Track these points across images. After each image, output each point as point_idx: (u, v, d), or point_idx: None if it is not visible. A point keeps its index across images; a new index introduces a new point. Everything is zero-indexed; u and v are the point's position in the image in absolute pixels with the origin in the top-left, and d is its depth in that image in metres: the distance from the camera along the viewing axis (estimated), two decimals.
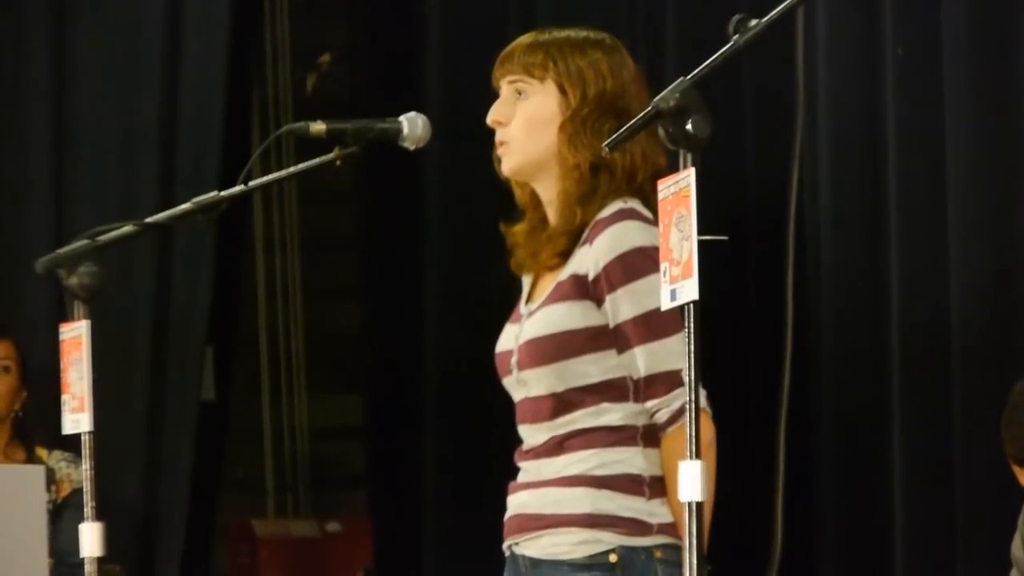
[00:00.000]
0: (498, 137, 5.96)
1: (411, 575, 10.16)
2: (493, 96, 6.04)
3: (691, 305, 4.75)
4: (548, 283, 5.97)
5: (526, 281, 6.17)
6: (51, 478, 7.58)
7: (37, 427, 8.53)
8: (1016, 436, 7.29)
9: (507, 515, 6.03)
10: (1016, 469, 7.96)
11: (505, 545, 6.05)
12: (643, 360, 5.72)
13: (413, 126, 6.46)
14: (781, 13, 4.96)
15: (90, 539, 6.76)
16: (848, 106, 9.60)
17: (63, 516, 7.85)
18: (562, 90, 5.96)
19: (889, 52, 9.69)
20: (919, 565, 9.46)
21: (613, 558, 5.76)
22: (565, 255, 5.86)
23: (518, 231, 6.07)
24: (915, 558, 9.53)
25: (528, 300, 6.10)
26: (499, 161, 6.01)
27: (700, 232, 4.77)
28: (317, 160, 6.87)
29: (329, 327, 11.84)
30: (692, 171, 4.80)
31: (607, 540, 5.76)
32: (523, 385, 5.95)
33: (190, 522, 10.34)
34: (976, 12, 9.55)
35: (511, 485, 6.06)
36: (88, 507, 6.75)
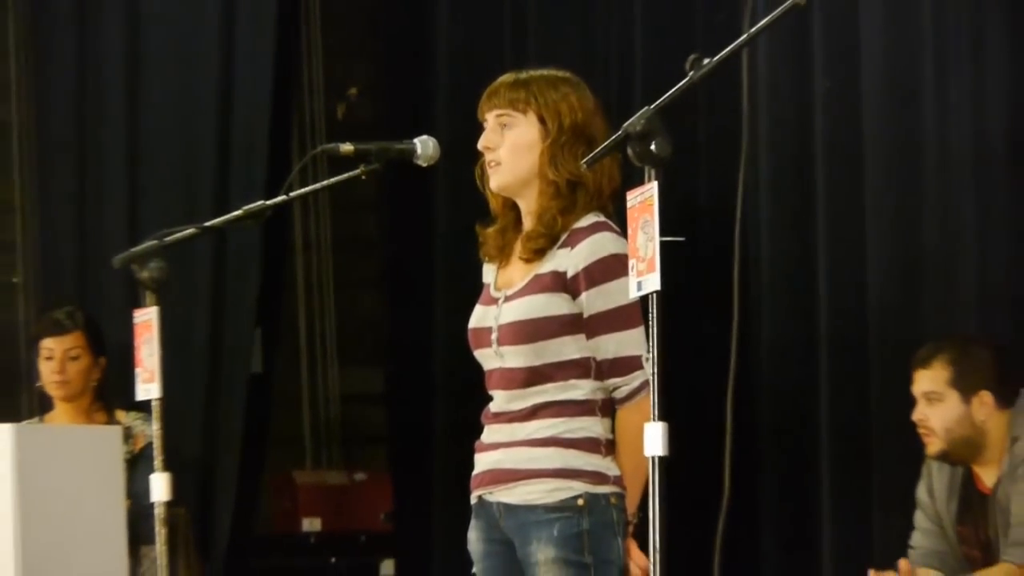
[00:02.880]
0: (488, 159, 6.12)
1: (424, 520, 10.20)
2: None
3: (654, 295, 4.83)
4: (521, 274, 6.20)
5: (490, 268, 6.41)
6: (128, 434, 7.62)
7: (117, 393, 8.51)
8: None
9: (477, 470, 6.26)
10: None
11: (475, 495, 6.26)
12: (611, 346, 6.00)
13: (425, 147, 6.67)
14: (729, 54, 5.04)
15: (160, 486, 6.91)
16: (783, 129, 9.57)
17: (138, 466, 7.87)
18: (542, 121, 6.10)
19: (817, 85, 9.69)
20: (842, 509, 9.45)
21: (581, 502, 5.99)
22: (541, 253, 6.00)
23: (489, 231, 6.28)
24: (839, 504, 9.51)
25: (498, 286, 6.30)
26: (482, 176, 6.22)
27: (661, 234, 4.93)
28: (346, 175, 7.02)
29: (355, 312, 11.87)
30: (655, 184, 4.92)
31: (576, 488, 5.99)
32: (500, 357, 6.14)
33: (241, 473, 10.35)
34: (888, 52, 9.54)
35: (478, 445, 6.30)
36: (157, 459, 6.91)
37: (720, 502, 5.21)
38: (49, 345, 9.23)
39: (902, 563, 7.96)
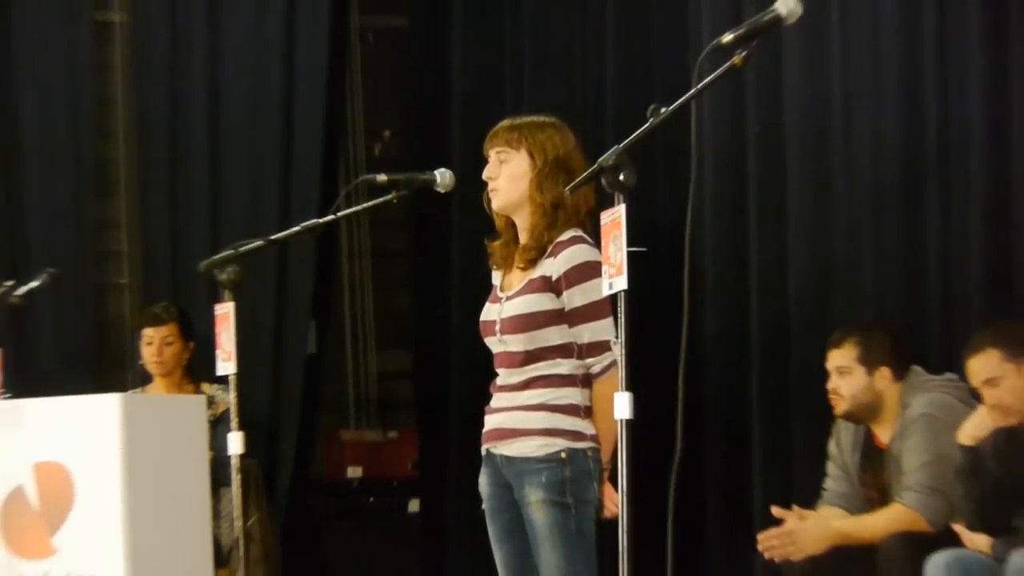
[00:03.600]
0: (490, 187, 6.19)
1: (443, 468, 10.20)
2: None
3: (622, 292, 4.93)
4: (519, 279, 6.24)
5: (497, 274, 6.41)
6: (211, 401, 7.68)
7: (203, 369, 8.51)
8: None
9: (486, 429, 6.40)
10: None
11: (484, 448, 6.39)
12: (587, 333, 6.09)
13: (443, 177, 6.71)
14: (679, 105, 5.08)
15: (235, 442, 6.98)
16: (723, 162, 9.58)
17: (219, 426, 7.93)
18: (531, 156, 6.15)
19: (750, 131, 9.67)
20: (769, 459, 9.42)
21: (564, 455, 6.07)
22: (533, 262, 6.07)
23: (496, 245, 6.34)
24: (766, 455, 9.48)
25: (502, 288, 6.33)
26: (488, 200, 6.24)
27: (627, 245, 4.94)
28: (381, 199, 7.06)
29: (389, 307, 11.84)
30: (623, 206, 5.03)
31: (559, 444, 6.07)
32: (503, 344, 6.21)
33: (299, 432, 10.37)
34: (804, 105, 9.53)
35: (487, 408, 6.39)
36: (233, 421, 7.02)
37: (673, 454, 5.19)
38: (149, 333, 9.36)
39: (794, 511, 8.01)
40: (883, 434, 7.95)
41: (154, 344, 9.33)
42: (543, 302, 6.03)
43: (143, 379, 9.50)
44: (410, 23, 11.75)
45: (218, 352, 6.91)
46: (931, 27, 9.07)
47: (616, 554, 5.07)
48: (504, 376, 6.21)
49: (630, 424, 5.09)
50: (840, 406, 8.02)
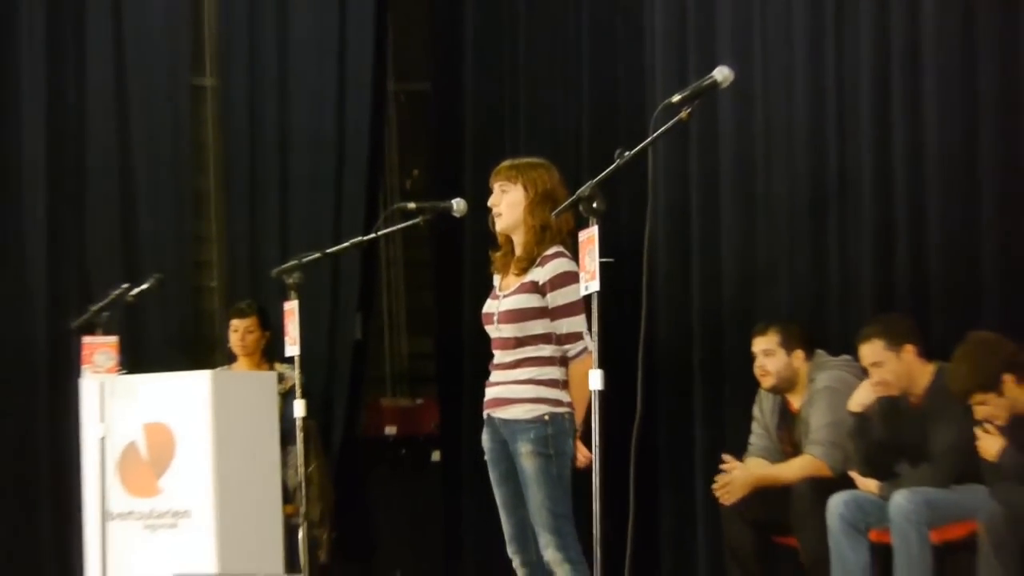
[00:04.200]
0: (494, 212, 6.17)
1: (457, 427, 10.16)
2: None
3: (595, 293, 4.93)
4: (514, 282, 6.22)
5: (497, 278, 6.35)
6: (281, 377, 7.63)
7: (276, 351, 8.47)
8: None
9: (486, 398, 6.36)
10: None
11: (485, 413, 6.35)
12: (564, 326, 6.09)
13: (459, 205, 6.71)
14: (639, 150, 5.04)
15: (299, 408, 6.97)
16: (673, 193, 9.53)
17: (287, 397, 7.88)
18: (525, 189, 6.13)
19: (693, 168, 9.65)
20: (709, 419, 9.37)
21: (547, 417, 6.09)
22: (525, 270, 6.07)
23: (497, 255, 6.31)
24: (707, 416, 9.43)
25: (500, 288, 6.30)
26: (493, 222, 6.22)
27: (599, 257, 4.91)
28: (411, 222, 7.15)
29: (417, 303, 11.77)
30: (596, 227, 5.02)
31: (543, 409, 6.08)
32: (499, 331, 6.21)
33: (348, 400, 10.38)
34: (736, 147, 9.50)
35: (487, 382, 6.37)
36: (298, 391, 6.99)
37: (634, 416, 5.16)
38: (235, 324, 9.34)
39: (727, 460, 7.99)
40: (795, 401, 7.93)
41: (239, 332, 9.30)
42: (531, 301, 6.04)
43: (229, 359, 9.46)
44: (432, 87, 11.70)
45: (286, 338, 6.91)
46: (832, 93, 9.06)
47: (589, 495, 5.05)
48: (499, 356, 6.20)
49: (601, 394, 5.08)
50: (767, 381, 8.00)
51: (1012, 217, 8.26)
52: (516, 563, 6.21)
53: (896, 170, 8.79)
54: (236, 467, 7.23)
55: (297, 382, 7.07)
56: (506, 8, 11.09)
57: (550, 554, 5.97)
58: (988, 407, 7.00)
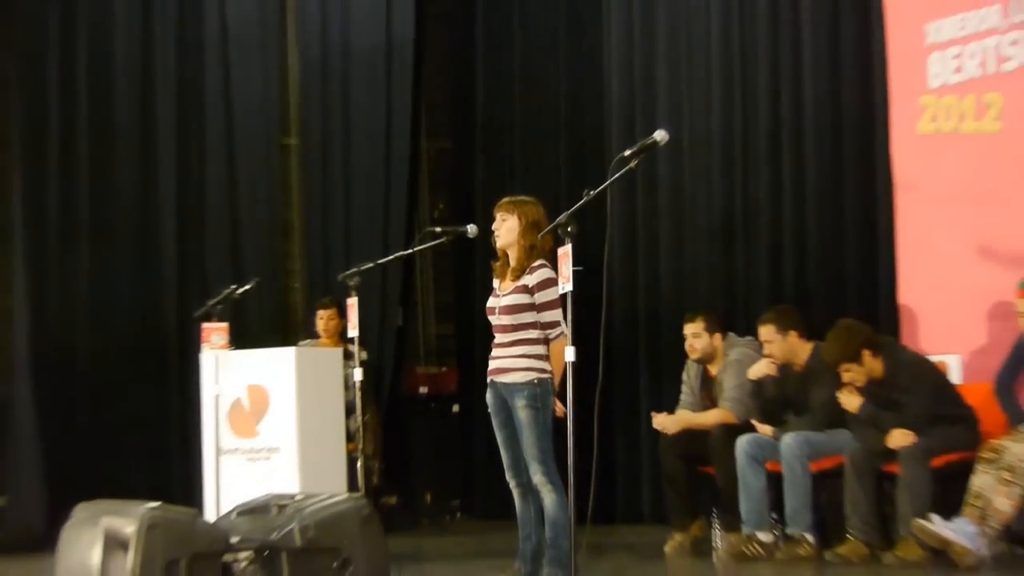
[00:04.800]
0: (496, 234, 6.11)
1: (471, 388, 10.08)
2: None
3: (568, 292, 4.80)
4: (509, 285, 6.14)
5: (496, 281, 6.23)
6: (348, 352, 7.47)
7: (344, 333, 8.36)
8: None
9: (489, 368, 6.25)
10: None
11: (489, 379, 6.24)
12: (547, 316, 6.05)
13: (472, 229, 6.76)
14: (600, 190, 4.98)
15: (358, 374, 7.05)
16: (625, 219, 9.47)
17: (352, 366, 7.72)
18: (519, 218, 6.05)
19: (639, 203, 9.67)
20: (651, 383, 9.29)
21: (535, 381, 6.01)
22: (518, 277, 5.98)
23: (497, 265, 6.22)
24: (649, 380, 9.33)
25: (499, 289, 6.18)
26: (494, 241, 6.14)
27: (572, 266, 4.78)
28: (437, 241, 7.15)
29: (442, 300, 11.64)
30: (570, 245, 4.96)
31: (533, 375, 6.06)
32: (499, 320, 6.16)
33: (393, 368, 10.29)
34: (670, 185, 9.47)
35: (491, 357, 6.28)
36: (357, 362, 7.05)
37: (596, 381, 5.15)
38: (321, 314, 9.19)
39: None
40: (713, 370, 7.86)
41: (323, 319, 9.17)
42: (523, 299, 6.00)
43: (315, 338, 9.31)
44: (452, 145, 11.65)
45: (348, 325, 6.86)
46: (739, 148, 9.04)
47: (564, 436, 5.03)
48: (499, 338, 6.14)
49: (573, 364, 5.06)
50: (694, 355, 7.91)
51: (867, 242, 8.34)
52: (512, 485, 6.19)
53: (784, 206, 8.89)
54: (312, 416, 7.18)
55: (356, 356, 7.07)
56: (507, 83, 11.02)
57: (538, 478, 5.97)
58: (851, 373, 7.03)
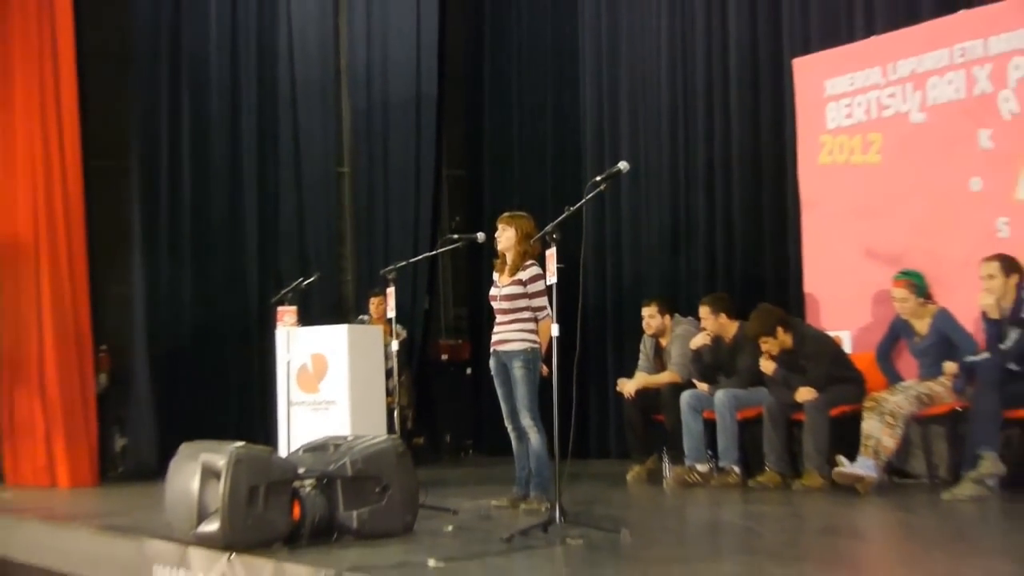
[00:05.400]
0: (497, 240, 6.06)
1: (479, 354, 10.09)
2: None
3: (553, 284, 4.75)
4: (508, 280, 6.03)
5: (496, 275, 6.15)
6: (390, 329, 7.28)
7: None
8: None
9: (493, 340, 6.12)
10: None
11: (492, 349, 6.12)
12: (536, 303, 5.97)
13: (481, 237, 6.51)
14: (577, 207, 4.94)
15: (394, 344, 6.80)
16: (595, 229, 9.43)
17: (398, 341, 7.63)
18: (515, 230, 6.02)
19: (608, 216, 9.63)
20: (617, 352, 9.35)
21: (529, 349, 5.93)
22: (513, 273, 5.94)
23: (497, 263, 6.13)
24: (616, 350, 9.34)
25: (499, 282, 6.10)
26: (495, 246, 6.05)
27: (556, 264, 4.74)
28: (453, 245, 6.98)
29: (458, 289, 11.64)
30: (554, 247, 4.84)
31: (527, 345, 5.99)
32: (500, 305, 6.05)
33: (422, 340, 10.41)
34: (630, 204, 9.43)
35: (493, 332, 6.15)
36: (394, 334, 6.77)
37: (575, 350, 5.12)
38: (372, 300, 9.07)
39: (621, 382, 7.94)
40: (664, 342, 7.78)
41: (374, 305, 9.04)
42: (518, 290, 5.95)
43: (366, 319, 9.22)
44: (465, 173, 11.64)
45: (388, 308, 6.77)
46: (682, 173, 9.01)
47: (550, 392, 5.01)
48: (500, 319, 6.06)
49: (557, 338, 5.02)
50: (649, 331, 7.79)
51: (780, 246, 8.31)
52: (509, 429, 6.12)
53: (717, 219, 8.86)
54: (360, 377, 7.11)
55: (394, 331, 7.03)
56: (507, 127, 11.03)
57: (527, 422, 5.94)
58: (768, 344, 7.00)
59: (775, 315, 7.13)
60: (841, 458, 6.36)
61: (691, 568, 4.07)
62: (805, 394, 6.78)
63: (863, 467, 6.20)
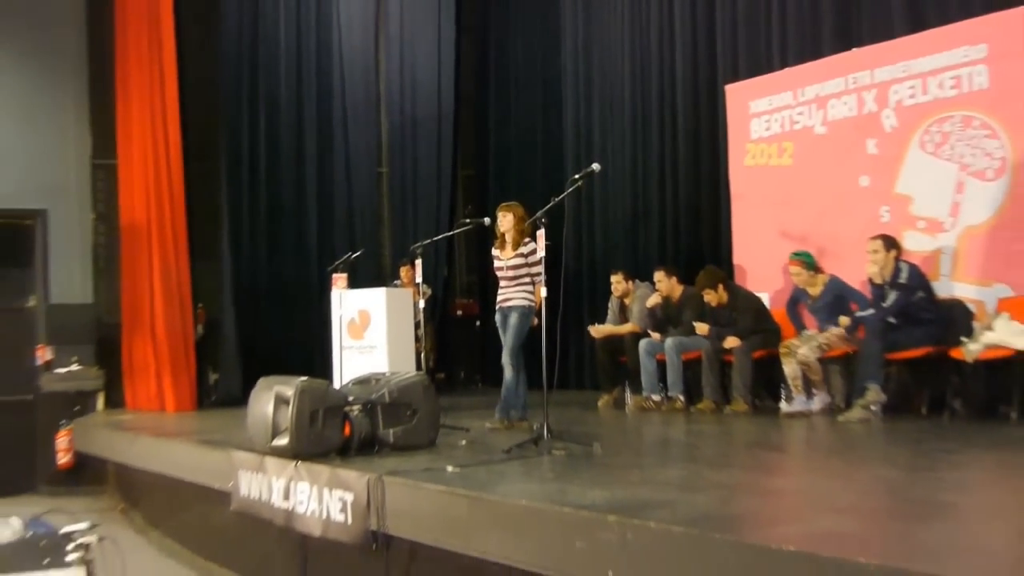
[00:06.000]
0: (499, 223, 5.94)
1: (486, 309, 9.98)
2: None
3: (543, 256, 4.65)
4: (511, 253, 5.87)
5: (496, 251, 6.02)
6: (421, 290, 7.08)
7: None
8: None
9: (498, 299, 5.96)
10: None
11: (497, 306, 5.97)
12: (534, 270, 5.73)
13: (488, 221, 6.21)
14: (560, 199, 4.84)
15: (421, 303, 6.77)
16: (575, 214, 9.38)
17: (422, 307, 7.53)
18: (513, 215, 5.90)
19: (583, 206, 9.53)
20: (590, 306, 9.28)
21: (527, 306, 5.75)
22: (516, 248, 5.80)
23: (496, 241, 6.00)
24: (589, 305, 9.29)
25: (501, 256, 5.96)
26: (498, 229, 5.94)
27: (546, 241, 4.67)
28: (467, 227, 6.87)
29: (471, 262, 11.44)
30: (543, 230, 4.72)
31: (525, 302, 5.80)
32: (504, 273, 5.87)
33: (442, 299, 10.27)
34: (603, 200, 9.35)
35: (498, 294, 5.99)
36: (421, 295, 6.73)
37: (559, 307, 5.08)
38: (403, 270, 8.78)
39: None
40: (627, 301, 7.73)
41: (404, 272, 8.73)
42: (520, 261, 5.84)
43: (399, 284, 8.97)
44: (475, 172, 11.53)
45: (416, 275, 6.67)
46: (640, 172, 8.94)
47: (540, 338, 4.98)
48: (504, 284, 5.96)
49: (546, 298, 4.98)
50: (616, 293, 7.72)
51: (715, 228, 8.26)
52: (505, 365, 6.05)
53: (667, 208, 8.80)
54: (395, 328, 7.03)
55: (421, 292, 6.97)
56: (507, 136, 10.96)
57: (505, 359, 5.90)
58: (709, 296, 7.01)
59: (718, 275, 7.12)
60: (784, 401, 6.35)
61: (646, 472, 4.06)
62: (732, 342, 6.77)
63: (800, 403, 6.24)
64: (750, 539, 2.58)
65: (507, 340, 5.91)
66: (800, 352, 6.23)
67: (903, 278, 5.91)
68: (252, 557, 5.27)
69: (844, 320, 6.31)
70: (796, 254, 6.64)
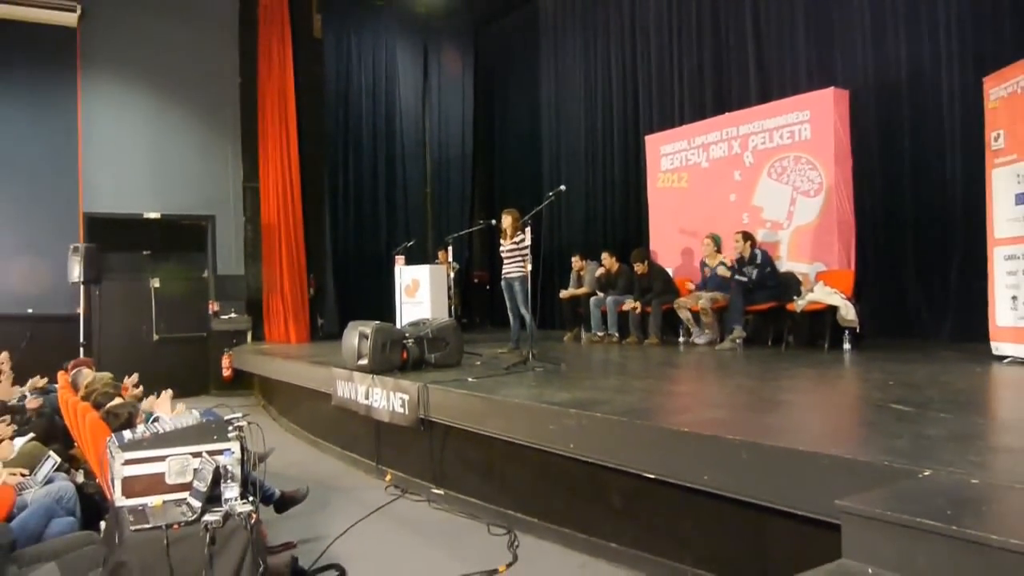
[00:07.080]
0: (502, 223, 5.66)
1: (493, 280, 9.87)
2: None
3: (529, 244, 4.57)
4: (510, 242, 5.61)
5: (502, 240, 5.74)
6: (452, 269, 6.76)
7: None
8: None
9: (503, 273, 5.67)
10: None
11: (503, 278, 5.72)
12: (525, 253, 5.48)
13: (496, 222, 6.03)
14: (539, 209, 4.73)
15: (451, 274, 6.47)
16: (551, 216, 9.23)
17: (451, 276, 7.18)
18: (511, 217, 5.64)
19: (555, 213, 9.41)
20: (563, 279, 9.07)
21: (523, 276, 5.50)
22: (512, 238, 5.54)
23: (501, 235, 5.71)
24: (562, 279, 9.04)
25: (501, 244, 5.71)
26: (500, 228, 5.67)
27: (531, 235, 4.56)
28: (481, 226, 6.66)
29: (485, 247, 11.12)
30: (529, 227, 4.64)
31: (522, 274, 5.50)
32: (506, 256, 5.60)
33: (464, 272, 10.02)
34: (575, 206, 9.19)
35: (503, 269, 5.68)
36: (451, 271, 6.47)
37: (538, 279, 5.06)
38: (440, 253, 8.32)
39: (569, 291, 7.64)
40: (583, 274, 7.51)
41: (441, 255, 8.30)
42: (515, 246, 5.62)
43: (438, 262, 8.72)
44: (485, 191, 11.31)
45: (448, 257, 6.59)
46: (600, 182, 8.80)
47: (531, 300, 4.94)
48: (506, 262, 5.77)
49: (531, 271, 4.95)
50: (575, 269, 7.51)
51: (636, 226, 8.10)
52: (511, 317, 5.96)
53: (608, 214, 8.62)
54: (435, 290, 6.88)
55: (452, 267, 6.87)
56: (509, 166, 10.76)
57: (524, 312, 5.73)
58: (638, 266, 6.85)
59: (644, 254, 7.02)
60: (692, 338, 6.31)
61: (595, 382, 4.12)
62: (630, 304, 6.74)
63: (700, 337, 6.26)
64: (661, 424, 2.78)
65: (520, 302, 5.74)
66: (700, 303, 6.23)
67: (758, 259, 5.96)
68: (345, 435, 5.33)
69: (723, 270, 6.28)
70: (710, 236, 6.56)
